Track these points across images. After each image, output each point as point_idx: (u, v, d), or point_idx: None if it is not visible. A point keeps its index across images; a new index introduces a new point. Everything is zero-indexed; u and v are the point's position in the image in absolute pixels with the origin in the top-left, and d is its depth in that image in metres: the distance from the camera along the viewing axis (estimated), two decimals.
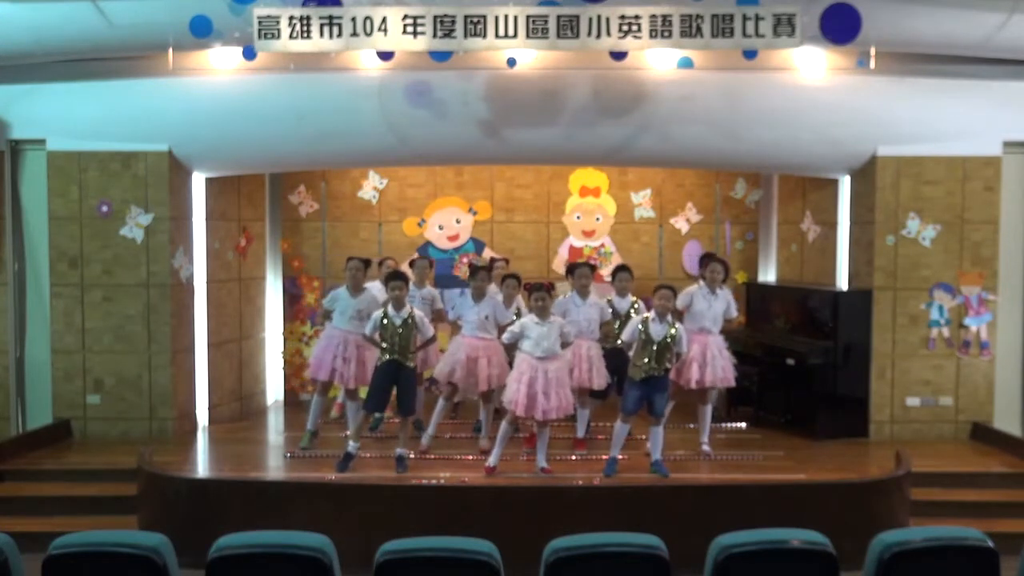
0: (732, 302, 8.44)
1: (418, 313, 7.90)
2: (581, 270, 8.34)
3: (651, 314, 7.66)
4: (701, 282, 8.45)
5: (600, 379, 8.25)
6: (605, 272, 10.79)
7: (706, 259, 8.57)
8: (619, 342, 7.95)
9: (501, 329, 8.08)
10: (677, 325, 7.66)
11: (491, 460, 7.70)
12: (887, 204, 9.25)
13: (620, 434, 7.74)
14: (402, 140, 9.18)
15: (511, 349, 7.72)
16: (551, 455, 8.03)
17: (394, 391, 7.85)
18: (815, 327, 9.54)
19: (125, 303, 9.28)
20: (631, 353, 7.69)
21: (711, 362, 8.18)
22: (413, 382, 7.95)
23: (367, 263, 8.54)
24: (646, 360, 7.54)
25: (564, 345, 7.61)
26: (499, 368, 8.11)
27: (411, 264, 9.11)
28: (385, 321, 7.74)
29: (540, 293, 7.50)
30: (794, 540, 4.16)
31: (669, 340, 7.54)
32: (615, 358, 8.22)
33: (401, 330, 7.73)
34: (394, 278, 7.84)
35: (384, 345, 7.76)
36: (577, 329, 8.04)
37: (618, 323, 8.32)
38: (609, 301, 8.53)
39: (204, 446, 9.23)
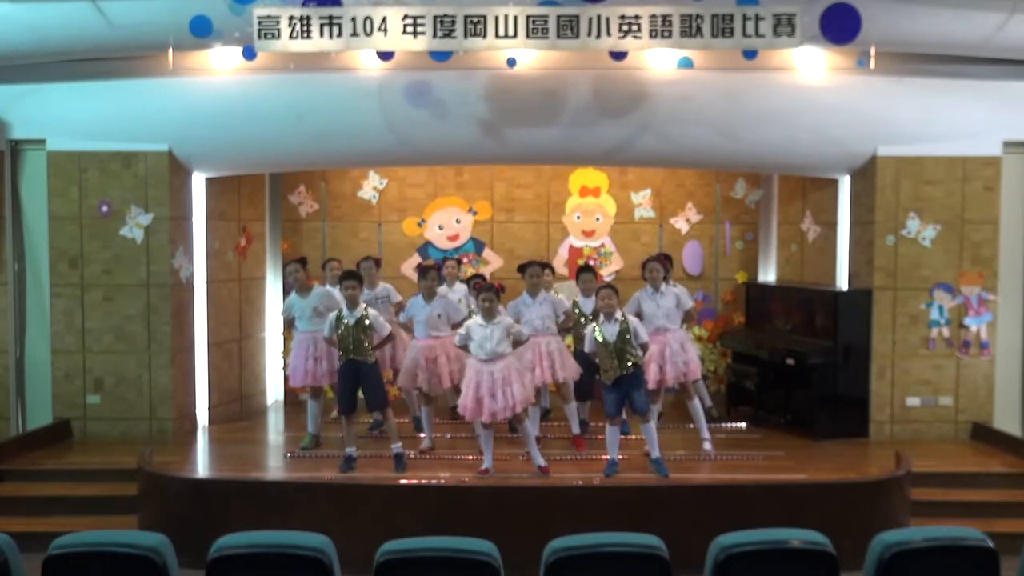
0: (682, 295, 8.48)
1: (372, 312, 7.93)
2: (531, 269, 8.39)
3: (600, 317, 7.64)
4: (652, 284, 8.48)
5: (566, 372, 8.27)
6: (606, 272, 10.82)
7: (646, 261, 8.58)
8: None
9: (456, 327, 8.11)
10: (628, 318, 7.62)
11: (484, 464, 7.69)
12: (887, 204, 9.25)
13: (612, 437, 7.74)
14: (402, 140, 9.18)
15: (465, 351, 7.70)
16: (551, 455, 8.04)
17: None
18: (815, 327, 9.54)
19: (125, 303, 9.28)
20: (598, 360, 7.69)
21: (670, 359, 8.18)
22: (374, 378, 7.96)
23: (304, 263, 8.69)
24: (609, 362, 7.54)
25: (516, 344, 7.60)
26: (459, 362, 8.14)
27: (357, 266, 9.01)
28: (340, 321, 7.78)
29: (488, 295, 7.48)
30: (794, 540, 4.16)
31: (624, 335, 7.52)
32: (586, 355, 8.20)
33: (355, 330, 7.75)
34: (347, 277, 7.89)
35: (340, 346, 7.81)
36: (531, 328, 8.07)
37: (584, 322, 8.33)
38: (575, 302, 8.55)
39: (204, 446, 9.23)
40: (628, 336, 7.51)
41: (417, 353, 8.30)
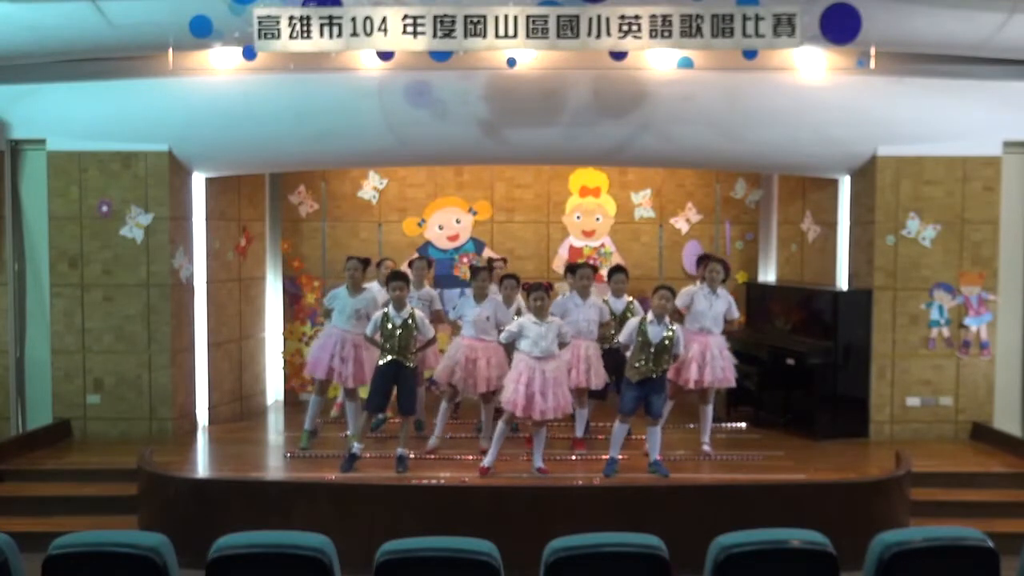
0: (733, 303, 8.43)
1: (419, 314, 7.89)
2: (583, 270, 8.35)
3: (649, 315, 7.65)
4: (699, 282, 8.46)
5: (598, 379, 8.26)
6: (603, 272, 10.81)
7: (705, 259, 8.58)
8: (616, 343, 7.94)
9: (501, 330, 8.08)
10: (675, 327, 7.66)
11: (486, 460, 7.69)
12: (887, 204, 9.25)
13: (619, 435, 7.74)
14: (402, 140, 9.18)
15: (509, 349, 7.71)
16: (551, 455, 8.05)
17: (395, 392, 7.87)
18: (815, 327, 9.54)
19: (125, 303, 9.28)
20: (628, 354, 7.69)
21: (710, 362, 8.17)
22: (413, 382, 7.97)
23: (366, 263, 8.56)
24: (643, 362, 7.54)
25: (561, 345, 7.61)
26: (499, 369, 8.09)
27: (409, 265, 9.08)
28: (386, 321, 7.75)
29: (539, 293, 7.48)
30: (794, 540, 4.16)
31: (667, 342, 7.53)
32: (613, 358, 8.23)
33: (401, 331, 7.72)
34: (395, 278, 7.84)
35: (385, 346, 7.77)
36: (576, 329, 8.05)
37: (615, 322, 8.32)
38: (605, 301, 8.53)
39: (204, 446, 9.23)
40: (669, 344, 7.53)
41: (459, 351, 8.19)
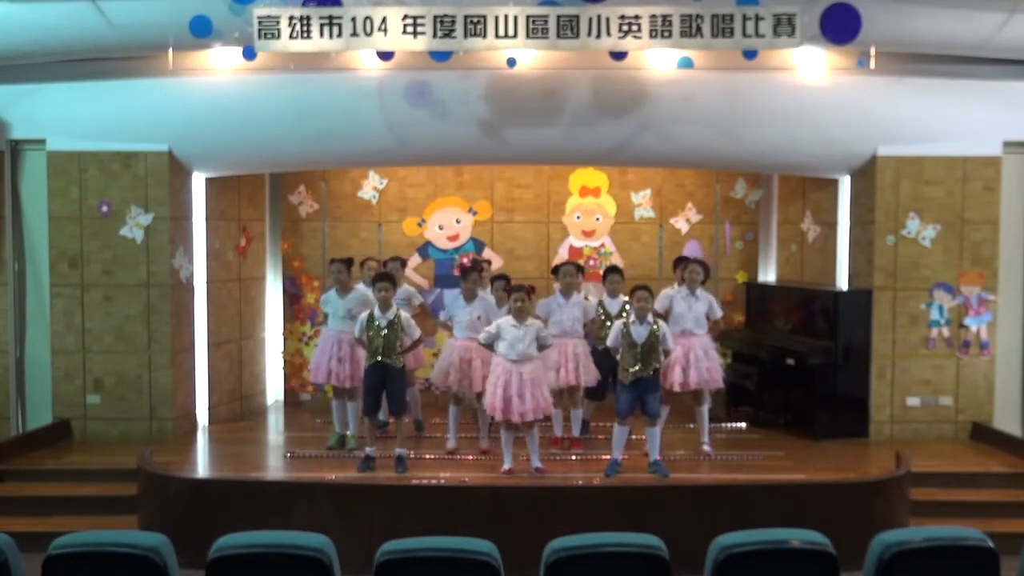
0: (714, 302, 8.40)
1: (404, 314, 7.90)
2: (564, 268, 8.39)
3: (631, 317, 7.64)
4: (676, 284, 8.44)
5: (588, 376, 8.25)
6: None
7: (682, 261, 8.57)
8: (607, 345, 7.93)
9: None
10: (659, 323, 7.63)
11: (506, 464, 7.66)
12: (887, 204, 9.25)
13: (620, 437, 7.74)
14: (402, 140, 9.18)
15: (490, 349, 7.69)
16: (549, 455, 8.05)
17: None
18: (815, 327, 9.54)
19: (125, 303, 9.28)
20: (618, 357, 7.68)
21: (695, 364, 8.13)
22: (401, 382, 7.95)
23: (349, 263, 8.59)
24: (633, 363, 7.53)
25: (541, 348, 7.59)
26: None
27: (383, 266, 9.04)
28: (372, 322, 7.76)
29: (519, 295, 7.47)
30: (794, 540, 4.16)
31: (653, 340, 7.52)
32: (609, 358, 8.21)
33: (386, 331, 7.73)
34: (380, 279, 7.85)
35: (370, 347, 7.77)
36: (560, 328, 8.06)
37: (609, 324, 8.32)
38: (600, 302, 8.53)
39: (204, 446, 9.23)
40: (656, 341, 7.52)
41: (452, 352, 8.20)
